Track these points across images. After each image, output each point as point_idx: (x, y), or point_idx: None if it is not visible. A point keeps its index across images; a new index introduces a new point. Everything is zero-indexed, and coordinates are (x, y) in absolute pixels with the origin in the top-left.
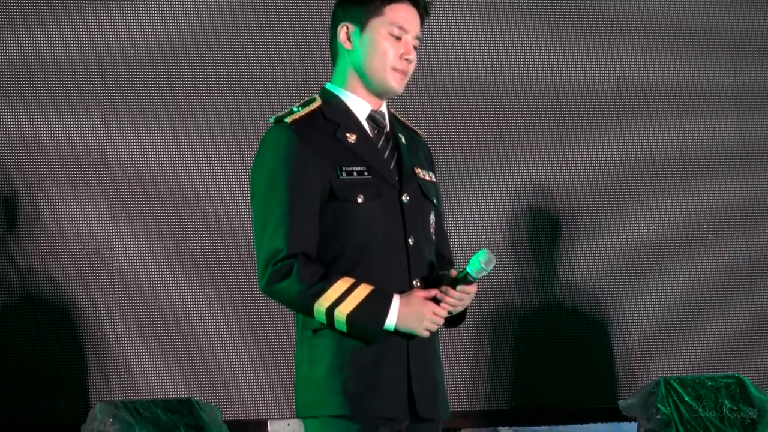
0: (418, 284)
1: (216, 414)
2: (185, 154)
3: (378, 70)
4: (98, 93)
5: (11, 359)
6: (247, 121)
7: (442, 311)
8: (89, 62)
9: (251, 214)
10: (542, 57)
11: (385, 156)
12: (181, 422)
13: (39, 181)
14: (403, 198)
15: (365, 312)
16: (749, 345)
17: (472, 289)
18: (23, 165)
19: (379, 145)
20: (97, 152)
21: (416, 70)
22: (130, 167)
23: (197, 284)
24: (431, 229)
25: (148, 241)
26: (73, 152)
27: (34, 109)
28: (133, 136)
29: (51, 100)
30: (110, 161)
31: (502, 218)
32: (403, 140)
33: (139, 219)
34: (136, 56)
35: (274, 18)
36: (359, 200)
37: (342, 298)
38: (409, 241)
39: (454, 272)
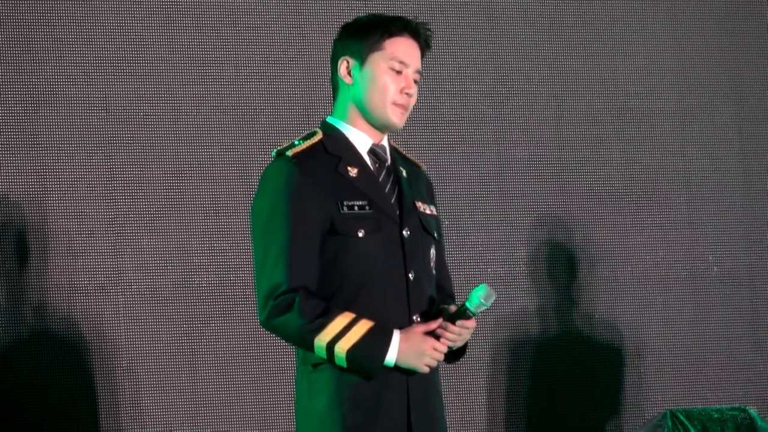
0: (418, 319)
1: None
2: (189, 189)
3: (378, 104)
4: (103, 130)
5: (20, 394)
6: (250, 154)
7: (442, 347)
8: (94, 99)
9: (252, 247)
10: (544, 88)
11: (386, 190)
12: None
13: (47, 216)
14: (404, 232)
15: (365, 348)
16: (755, 376)
17: (472, 324)
18: (32, 201)
19: (380, 179)
20: (102, 188)
21: (417, 101)
22: (135, 202)
23: (203, 319)
24: (431, 264)
25: (154, 276)
26: (79, 188)
27: (42, 146)
28: (137, 171)
29: (58, 138)
30: (116, 196)
31: (504, 251)
32: (404, 173)
33: (145, 254)
34: (139, 91)
35: (275, 52)
36: (360, 234)
37: (342, 333)
38: (410, 275)
39: (453, 307)
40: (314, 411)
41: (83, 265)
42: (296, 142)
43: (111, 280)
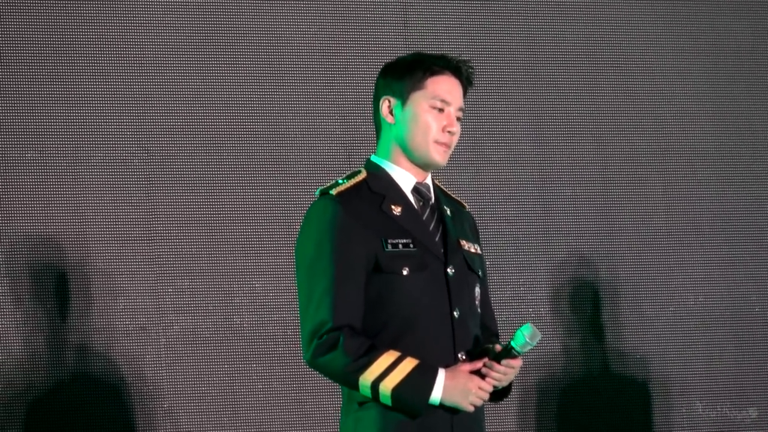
0: (463, 357)
1: None
2: (231, 229)
3: (420, 143)
4: (144, 172)
5: None
6: (293, 194)
7: (488, 386)
8: (134, 138)
9: (296, 286)
10: (587, 129)
11: (431, 228)
12: None
13: (87, 258)
14: (449, 270)
15: (410, 386)
16: None
17: (517, 363)
18: (72, 242)
19: (424, 217)
20: (143, 228)
21: (461, 140)
22: (176, 243)
23: (244, 360)
24: (476, 302)
25: (194, 316)
26: (119, 228)
27: (83, 188)
28: (178, 211)
29: (99, 178)
30: (156, 237)
31: (548, 290)
32: (448, 212)
33: (185, 294)
34: (179, 131)
35: (318, 90)
36: (404, 272)
37: (387, 372)
38: (455, 313)
39: (498, 347)
40: None
41: (124, 306)
42: (340, 181)
43: (152, 322)
